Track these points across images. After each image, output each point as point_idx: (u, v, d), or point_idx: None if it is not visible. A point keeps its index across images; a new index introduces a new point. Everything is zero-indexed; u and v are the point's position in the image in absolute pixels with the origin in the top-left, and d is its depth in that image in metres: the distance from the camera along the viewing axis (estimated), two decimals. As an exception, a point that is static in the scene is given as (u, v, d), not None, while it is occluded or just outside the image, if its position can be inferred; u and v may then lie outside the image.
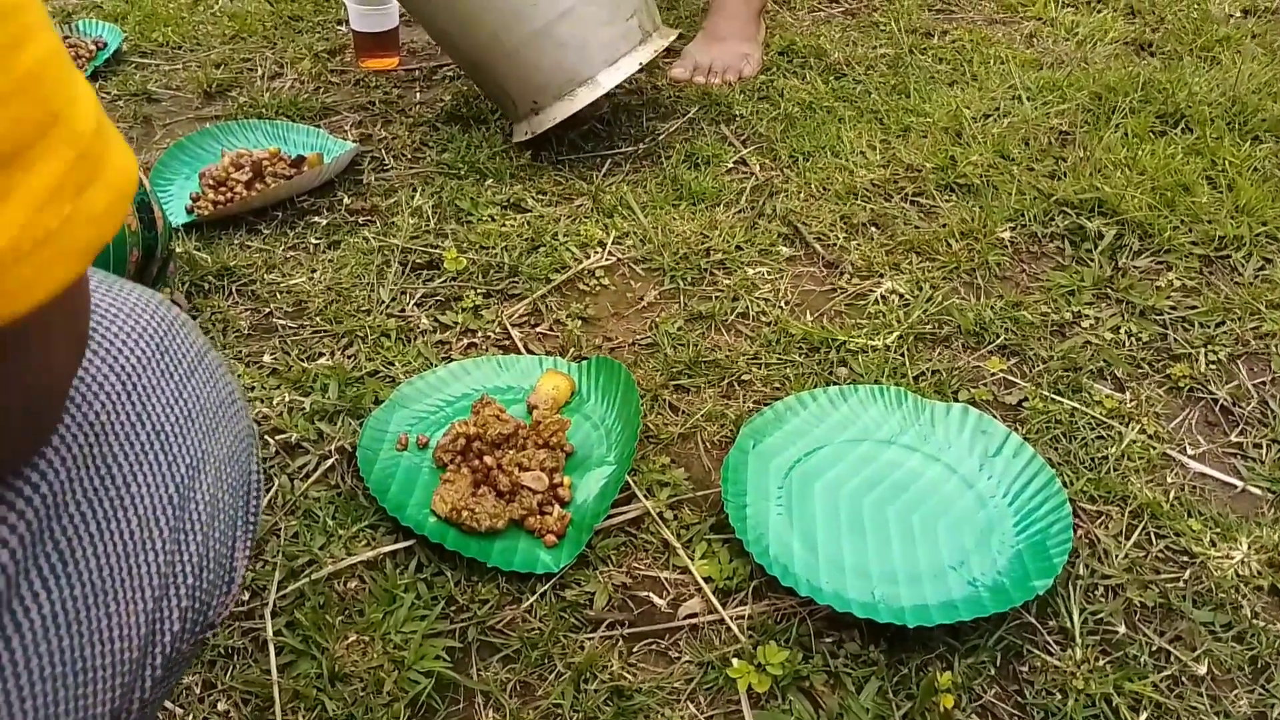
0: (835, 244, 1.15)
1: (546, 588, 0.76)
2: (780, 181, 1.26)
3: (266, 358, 0.99)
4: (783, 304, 1.07)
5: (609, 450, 0.87)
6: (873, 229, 1.18)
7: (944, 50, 1.55)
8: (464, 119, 1.39)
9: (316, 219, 1.19)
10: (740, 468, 0.84)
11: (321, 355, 0.99)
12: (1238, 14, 1.60)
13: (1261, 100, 1.31)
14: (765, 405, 0.93)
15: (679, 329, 1.03)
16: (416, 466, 0.86)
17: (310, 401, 0.93)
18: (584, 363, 0.95)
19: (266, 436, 0.89)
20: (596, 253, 1.14)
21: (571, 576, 0.77)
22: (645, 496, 0.84)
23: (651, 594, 0.77)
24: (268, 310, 1.05)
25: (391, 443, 0.88)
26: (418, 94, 1.48)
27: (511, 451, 0.84)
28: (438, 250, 1.13)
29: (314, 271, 1.11)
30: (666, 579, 0.78)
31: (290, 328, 1.03)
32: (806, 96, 1.43)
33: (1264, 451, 0.87)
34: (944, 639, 0.72)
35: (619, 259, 1.14)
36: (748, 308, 1.06)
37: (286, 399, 0.93)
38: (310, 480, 0.85)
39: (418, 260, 1.12)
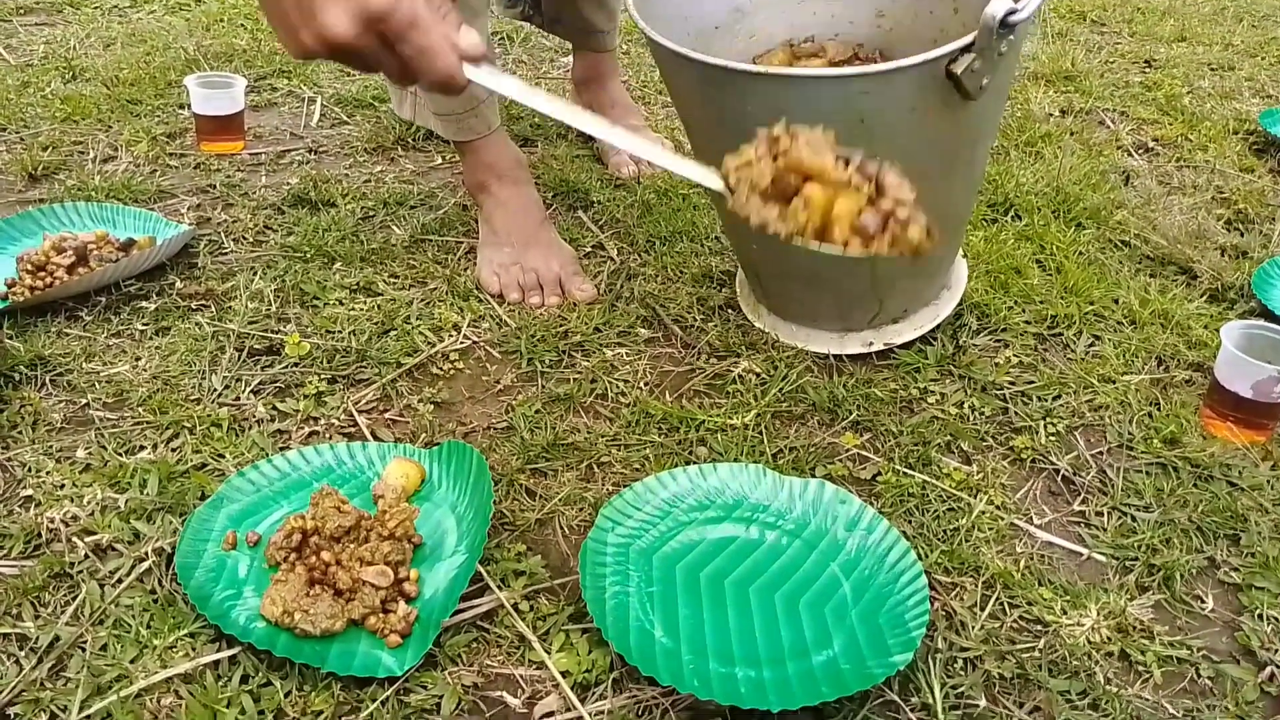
0: (693, 325, 1.15)
1: (389, 693, 0.70)
2: (638, 265, 1.26)
3: (80, 452, 0.90)
4: (642, 384, 1.05)
5: (460, 539, 0.82)
6: (729, 310, 1.19)
7: (792, 143, 1.61)
8: (311, 202, 1.35)
9: (144, 304, 1.12)
10: (599, 553, 0.80)
11: (142, 448, 0.91)
12: (1056, 113, 1.74)
13: (1081, 190, 1.41)
14: (625, 487, 0.91)
15: (536, 412, 1.00)
16: (245, 567, 0.79)
17: (126, 499, 0.84)
18: (435, 448, 0.91)
19: (74, 538, 0.81)
20: (451, 336, 1.11)
21: (417, 679, 0.71)
22: (499, 587, 0.79)
23: (505, 693, 0.72)
24: (84, 401, 0.96)
25: (218, 541, 0.80)
26: (263, 177, 1.43)
27: (353, 545, 0.78)
28: (279, 335, 1.07)
29: (138, 359, 1.03)
30: (522, 676, 0.73)
31: (109, 419, 0.94)
32: (662, 184, 1.45)
33: (1105, 519, 0.90)
34: (809, 723, 0.70)
35: (475, 342, 1.11)
36: (607, 389, 1.04)
37: (99, 496, 0.84)
38: (122, 586, 0.77)
39: (256, 346, 1.06)
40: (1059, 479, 0.95)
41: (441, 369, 1.06)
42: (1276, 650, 0.78)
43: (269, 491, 0.86)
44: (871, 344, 1.10)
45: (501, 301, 1.18)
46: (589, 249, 1.30)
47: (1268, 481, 0.93)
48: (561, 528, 0.86)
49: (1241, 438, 0.97)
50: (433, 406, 1.00)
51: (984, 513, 0.90)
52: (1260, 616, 0.81)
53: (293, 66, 1.85)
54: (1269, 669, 0.76)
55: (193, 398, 0.98)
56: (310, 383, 1.00)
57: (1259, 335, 0.99)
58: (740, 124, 0.81)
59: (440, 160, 1.52)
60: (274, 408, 0.98)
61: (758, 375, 1.07)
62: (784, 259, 1.05)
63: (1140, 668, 0.76)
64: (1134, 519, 0.90)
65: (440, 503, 0.86)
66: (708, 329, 1.15)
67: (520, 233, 1.22)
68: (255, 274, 1.18)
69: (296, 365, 1.03)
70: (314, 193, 1.37)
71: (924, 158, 0.92)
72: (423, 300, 1.16)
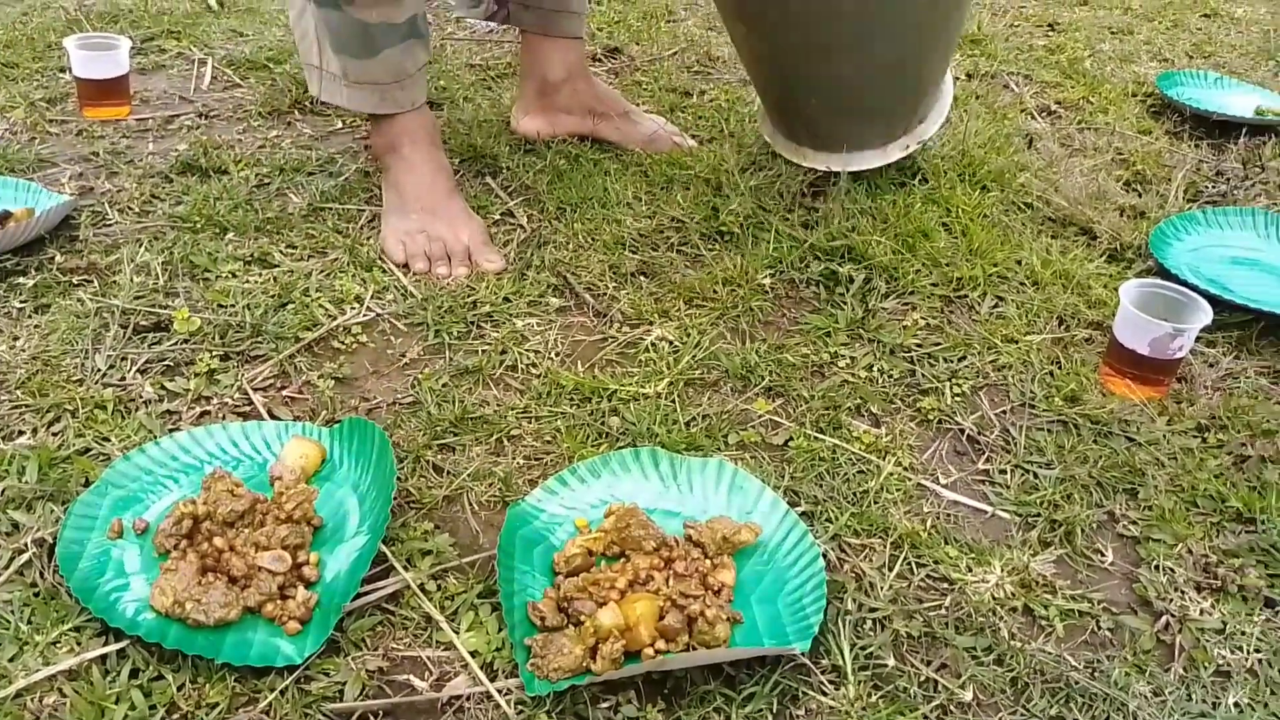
0: (605, 293, 1.14)
1: (288, 682, 0.67)
2: (549, 233, 1.24)
3: (-51, 440, 0.84)
4: (553, 355, 1.03)
5: (363, 520, 0.79)
6: (641, 278, 1.17)
7: (703, 109, 1.59)
8: (202, 170, 1.28)
9: (21, 280, 1.05)
10: (508, 561, 0.77)
11: (21, 434, 0.86)
12: (963, 77, 1.75)
13: (986, 154, 1.43)
14: (536, 460, 0.89)
15: (443, 385, 0.97)
16: (133, 556, 0.75)
17: (3, 487, 0.79)
18: (336, 426, 0.87)
19: (-57, 533, 0.75)
20: (353, 308, 1.07)
21: (319, 666, 0.69)
22: (405, 568, 0.77)
23: (412, 676, 0.70)
24: (-46, 385, 0.90)
25: (103, 530, 0.76)
26: (150, 144, 1.36)
27: (247, 530, 0.75)
28: (167, 311, 1.02)
29: (16, 339, 0.97)
30: (429, 658, 0.71)
31: (-19, 404, 0.89)
32: (573, 150, 1.42)
33: (1009, 477, 0.92)
34: (720, 690, 0.70)
35: (378, 314, 1.07)
36: (517, 360, 1.02)
37: (-29, 487, 0.79)
38: (0, 580, 0.72)
39: (142, 323, 1.00)
40: (964, 439, 0.96)
41: (343, 343, 1.02)
42: (1172, 600, 0.80)
43: (158, 476, 0.82)
44: (908, 146, 1.27)
45: (407, 271, 1.14)
46: (498, 216, 1.27)
47: (1164, 436, 0.96)
48: (470, 504, 0.84)
49: (1139, 394, 1.00)
50: (334, 382, 0.96)
51: (892, 474, 0.90)
52: (1157, 567, 0.83)
53: (182, 27, 1.76)
54: (1165, 618, 0.79)
55: (75, 378, 0.92)
56: (201, 360, 0.96)
57: (1156, 294, 1.02)
58: None
59: (340, 124, 1.46)
60: (162, 388, 0.93)
61: (670, 343, 1.06)
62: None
63: (1043, 622, 0.78)
64: (1036, 476, 0.91)
65: (342, 483, 0.83)
66: (620, 297, 1.13)
67: (428, 200, 1.18)
68: (141, 246, 1.12)
69: (186, 342, 0.98)
70: (204, 159, 1.30)
71: None
72: (322, 271, 1.12)
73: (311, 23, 1.12)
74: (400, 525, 0.80)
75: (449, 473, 0.87)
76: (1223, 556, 0.84)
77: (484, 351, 1.02)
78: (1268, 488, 0.90)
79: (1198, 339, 1.09)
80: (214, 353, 0.97)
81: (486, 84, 1.64)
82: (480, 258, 1.16)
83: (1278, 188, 1.45)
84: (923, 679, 0.73)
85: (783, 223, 1.26)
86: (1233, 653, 0.76)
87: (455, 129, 1.45)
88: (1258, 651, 0.76)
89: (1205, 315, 0.98)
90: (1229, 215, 1.29)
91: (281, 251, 1.14)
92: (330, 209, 1.24)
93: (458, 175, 1.33)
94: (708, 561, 0.78)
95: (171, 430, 0.88)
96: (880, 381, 1.03)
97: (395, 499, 0.81)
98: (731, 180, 1.32)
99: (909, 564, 0.82)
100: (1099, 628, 0.78)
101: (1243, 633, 0.78)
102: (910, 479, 0.91)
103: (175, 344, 0.98)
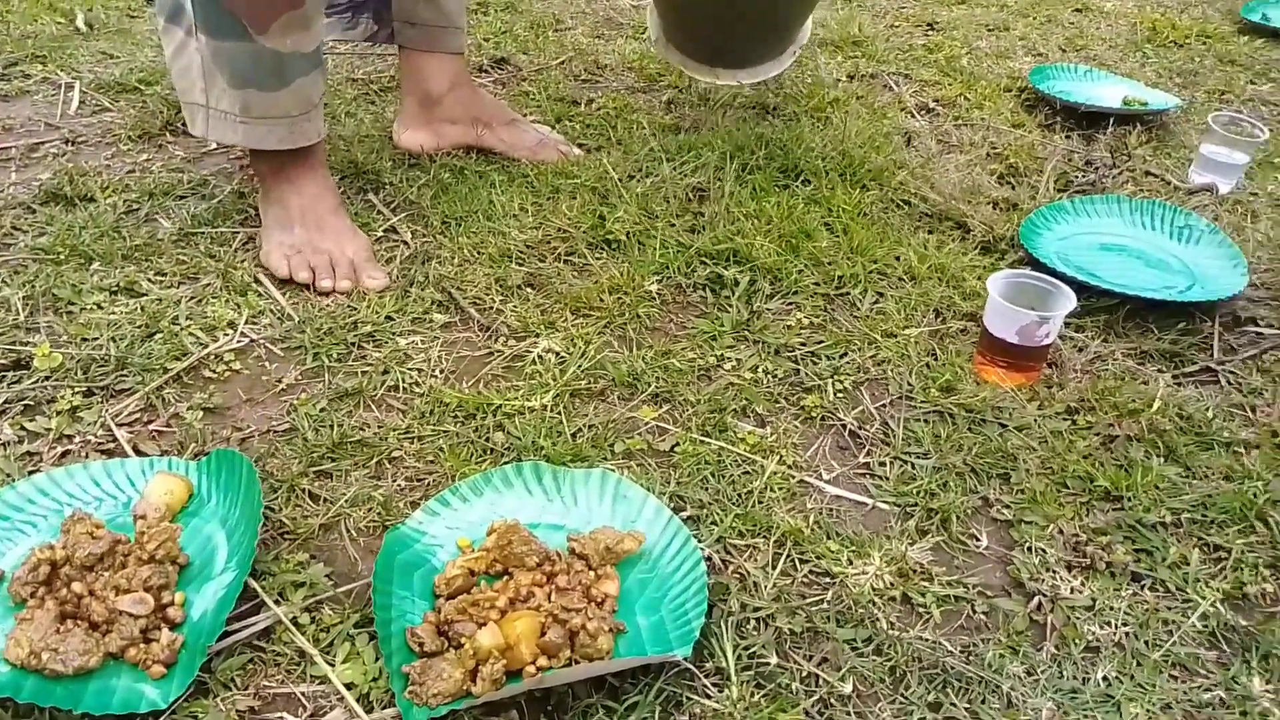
0: (491, 308, 1.13)
1: (152, 728, 0.65)
2: (433, 248, 1.22)
3: None
4: (437, 373, 1.02)
5: (231, 555, 0.77)
6: (528, 290, 1.17)
7: (591, 117, 1.59)
8: (66, 198, 1.24)
9: None
10: (385, 588, 0.75)
11: None
12: (844, 78, 1.79)
13: (866, 153, 1.46)
14: (417, 481, 0.88)
15: (321, 410, 0.95)
16: (-15, 607, 0.71)
17: None
18: (203, 459, 0.85)
19: None
20: (226, 335, 1.04)
21: (186, 710, 0.67)
22: (277, 602, 0.75)
23: (285, 713, 0.68)
24: None
25: (-49, 582, 0.72)
26: (12, 174, 1.30)
27: (107, 573, 0.72)
28: (27, 348, 0.98)
29: None
30: (303, 693, 0.69)
31: None
32: (458, 162, 1.41)
33: (888, 469, 0.94)
34: (604, 703, 0.69)
35: (253, 340, 1.04)
36: (399, 380, 1.00)
37: None
38: None
39: (1, 361, 0.96)
40: (846, 433, 0.98)
41: (215, 371, 0.99)
42: (1044, 580, 0.83)
43: (14, 522, 0.78)
44: (795, 53, 1.55)
45: (286, 288, 1.11)
46: (381, 233, 1.25)
47: (1034, 421, 0.99)
48: (348, 530, 0.83)
49: (1010, 381, 1.03)
50: (203, 413, 0.93)
51: (776, 473, 0.91)
52: (1029, 549, 0.86)
53: (49, 50, 1.69)
54: (1037, 599, 0.81)
55: (-78, 425, 0.88)
56: (63, 397, 0.92)
57: (1024, 283, 1.05)
58: None
59: (214, 145, 1.42)
60: (22, 428, 0.89)
61: (557, 355, 1.06)
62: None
63: (920, 609, 0.80)
64: (914, 466, 0.94)
65: (210, 518, 0.80)
66: (506, 310, 1.12)
67: (312, 216, 1.16)
68: (0, 281, 1.07)
69: (48, 379, 0.94)
70: (69, 187, 1.25)
71: None
72: (193, 298, 1.08)
73: (197, 59, 1.07)
74: (273, 558, 0.78)
75: (325, 500, 0.85)
76: (1092, 535, 0.87)
77: (364, 373, 1.00)
78: (1133, 465, 0.94)
79: (1067, 324, 1.13)
80: (76, 389, 0.93)
81: (370, 98, 1.62)
82: (364, 275, 1.14)
83: (1144, 174, 1.52)
84: (804, 674, 0.74)
85: (669, 229, 1.27)
86: (1102, 628, 0.79)
87: (336, 145, 1.42)
88: (1125, 625, 0.79)
89: (1069, 302, 1.02)
90: (1096, 203, 1.34)
91: (150, 279, 1.10)
92: (203, 233, 1.20)
93: (340, 192, 1.31)
94: (591, 573, 0.78)
95: (31, 472, 0.84)
96: (765, 382, 1.04)
97: (267, 531, 0.79)
98: (618, 188, 1.33)
99: (792, 561, 0.83)
100: (974, 612, 0.80)
101: (1111, 608, 0.81)
102: (794, 477, 0.92)
103: (36, 382, 0.94)
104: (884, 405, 1.02)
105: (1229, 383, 1.08)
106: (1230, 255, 1.24)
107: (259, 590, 0.75)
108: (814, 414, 1.00)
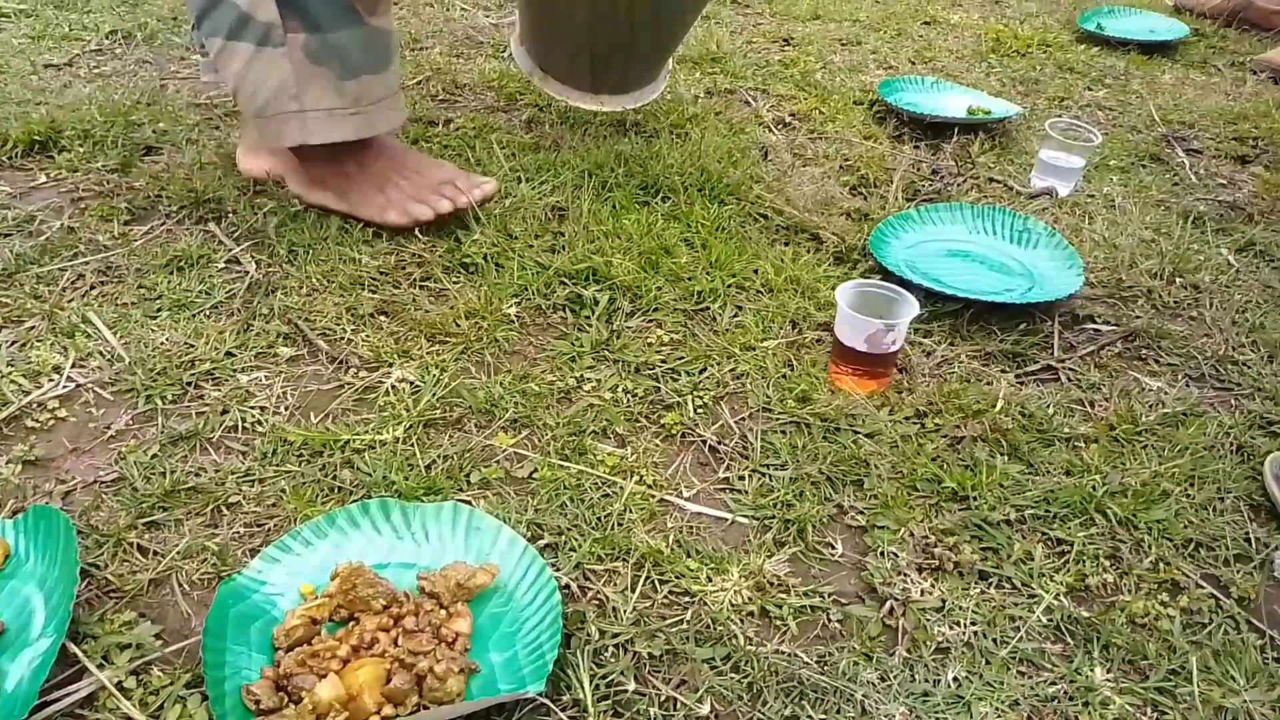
0: (341, 338, 1.09)
1: (-49, 820, 0.59)
2: (279, 278, 1.17)
3: None
4: (282, 409, 0.98)
5: (49, 619, 0.71)
6: (381, 318, 1.13)
7: (449, 137, 1.56)
8: None
9: None
10: (217, 644, 0.71)
11: None
12: (703, 94, 1.81)
13: (724, 168, 1.47)
14: (257, 527, 0.84)
15: (153, 456, 0.90)
16: None
17: None
18: (20, 517, 0.79)
19: None
20: (51, 380, 0.97)
21: (-9, 794, 0.61)
22: (101, 666, 0.70)
23: (107, 787, 0.63)
24: None
25: None
26: None
27: (-101, 651, 0.66)
28: None
29: None
30: (128, 763, 0.65)
31: None
32: (307, 188, 1.36)
33: (747, 482, 0.94)
34: (454, 748, 0.67)
35: (80, 384, 0.98)
36: (240, 419, 0.95)
37: None
38: None
39: None
40: (706, 449, 0.98)
41: (38, 420, 0.93)
42: (895, 584, 0.84)
43: None
44: (667, 73, 1.62)
45: (117, 327, 1.05)
46: (221, 264, 1.19)
47: (886, 426, 1.01)
48: (181, 584, 0.78)
49: (862, 388, 1.05)
50: (23, 466, 0.87)
51: (635, 494, 0.91)
52: (882, 554, 0.87)
53: None
54: (889, 603, 0.83)
55: None
56: None
57: (871, 292, 1.08)
58: None
59: (44, 178, 1.34)
60: None
61: (411, 384, 1.03)
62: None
63: (778, 622, 0.80)
64: (771, 478, 0.94)
65: (27, 579, 0.75)
66: (357, 340, 1.09)
67: (410, 163, 1.27)
68: None
69: None
70: None
71: None
72: (15, 343, 1.01)
73: (284, 66, 1.11)
74: (97, 619, 0.73)
75: (155, 553, 0.80)
76: (940, 536, 0.89)
77: (201, 413, 0.95)
78: (978, 465, 0.97)
79: (916, 330, 1.16)
80: (-128, 449, 0.86)
81: (214, 123, 1.55)
82: (475, 189, 1.26)
83: (988, 181, 1.58)
84: (663, 699, 0.73)
85: (528, 249, 1.25)
86: (951, 628, 0.81)
87: (174, 174, 1.35)
88: (973, 624, 0.81)
89: (913, 308, 1.05)
90: (939, 211, 1.39)
91: (-38, 325, 1.02)
92: (28, 272, 1.13)
93: (176, 221, 1.25)
94: (442, 612, 0.75)
95: None
96: (625, 401, 1.03)
97: (91, 589, 0.74)
98: (475, 210, 1.30)
99: (652, 583, 0.82)
100: (829, 620, 0.81)
101: (960, 608, 0.82)
102: (654, 496, 0.91)
103: None
104: (743, 419, 1.02)
105: (1069, 379, 1.12)
106: (1067, 257, 1.30)
107: (79, 655, 0.70)
108: (674, 431, 1.00)
